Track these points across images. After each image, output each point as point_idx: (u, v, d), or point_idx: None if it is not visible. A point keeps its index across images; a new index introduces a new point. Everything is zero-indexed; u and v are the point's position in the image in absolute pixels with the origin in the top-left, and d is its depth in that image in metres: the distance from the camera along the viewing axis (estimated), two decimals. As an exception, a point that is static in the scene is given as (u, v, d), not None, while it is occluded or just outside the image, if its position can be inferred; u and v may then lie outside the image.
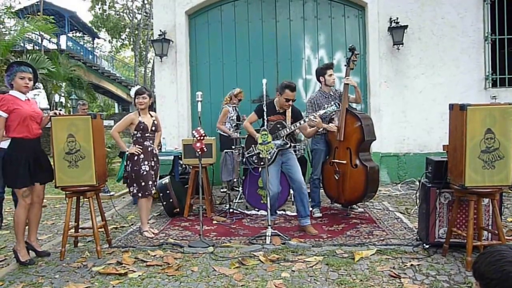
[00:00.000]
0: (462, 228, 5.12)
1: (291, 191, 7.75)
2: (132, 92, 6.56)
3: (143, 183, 6.35)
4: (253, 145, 6.56)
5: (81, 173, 5.36)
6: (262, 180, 6.52)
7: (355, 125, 6.86)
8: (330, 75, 7.19)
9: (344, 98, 7.01)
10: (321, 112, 6.31)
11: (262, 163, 6.35)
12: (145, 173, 6.36)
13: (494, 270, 2.00)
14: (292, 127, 6.32)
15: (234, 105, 9.31)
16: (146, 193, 6.39)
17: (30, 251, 5.50)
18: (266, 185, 6.21)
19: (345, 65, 7.26)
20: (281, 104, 6.35)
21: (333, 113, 6.97)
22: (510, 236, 5.72)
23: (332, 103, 6.49)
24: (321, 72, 7.30)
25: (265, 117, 6.13)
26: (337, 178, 6.94)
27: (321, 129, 6.70)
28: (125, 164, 6.54)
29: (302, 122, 6.32)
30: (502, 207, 5.40)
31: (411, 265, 4.83)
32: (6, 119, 5.17)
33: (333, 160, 7.03)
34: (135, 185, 6.40)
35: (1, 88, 7.12)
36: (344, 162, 6.90)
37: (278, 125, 6.37)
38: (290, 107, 6.42)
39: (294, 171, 6.41)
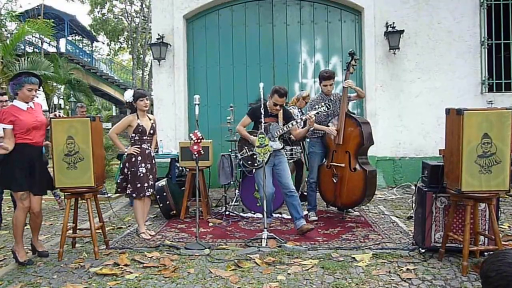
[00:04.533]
0: (458, 232, 5.12)
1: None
2: (129, 94, 6.54)
3: (138, 185, 6.36)
4: (245, 147, 6.60)
5: (79, 175, 5.40)
6: (257, 182, 6.55)
7: (355, 129, 6.90)
8: (325, 85, 7.23)
9: (343, 101, 7.05)
10: (313, 112, 6.32)
11: (255, 164, 6.43)
12: (141, 175, 6.37)
13: (492, 269, 2.10)
14: (285, 128, 6.42)
15: (300, 107, 9.05)
16: (141, 194, 6.40)
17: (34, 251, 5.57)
18: (260, 187, 6.23)
19: (345, 70, 7.32)
20: (270, 107, 6.47)
21: (329, 116, 7.03)
22: (506, 241, 5.74)
23: (322, 103, 6.51)
24: (319, 80, 7.36)
25: (262, 118, 6.17)
26: (335, 181, 6.96)
27: (312, 129, 6.75)
28: (122, 167, 6.55)
29: (294, 123, 6.41)
30: (499, 212, 5.41)
31: (407, 269, 4.84)
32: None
33: (331, 163, 7.06)
34: (129, 185, 6.42)
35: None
36: (343, 165, 6.93)
37: (270, 127, 6.45)
38: (281, 110, 6.56)
39: (283, 176, 6.49)
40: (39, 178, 5.46)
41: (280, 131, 6.40)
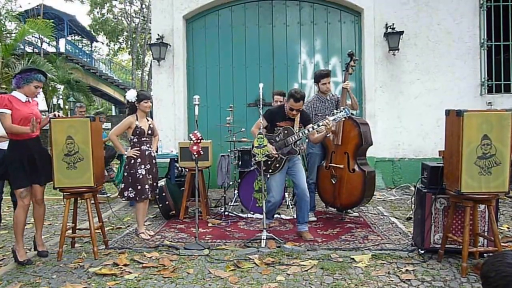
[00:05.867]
0: (457, 234, 5.13)
1: (286, 195, 7.79)
2: (132, 95, 6.53)
3: (139, 187, 6.36)
4: None
5: (79, 175, 5.39)
6: (269, 186, 6.44)
7: (353, 130, 6.89)
8: (324, 83, 7.21)
9: (342, 102, 7.04)
10: (332, 118, 6.07)
11: (270, 170, 6.29)
12: (141, 176, 6.37)
13: (492, 270, 2.13)
14: (300, 134, 6.18)
15: None
16: (143, 196, 6.40)
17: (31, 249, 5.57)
18: (263, 188, 6.18)
19: (344, 70, 7.31)
20: (287, 111, 6.28)
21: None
22: (505, 242, 5.74)
23: (342, 108, 6.36)
24: (316, 80, 7.34)
25: (261, 119, 6.15)
26: (334, 182, 6.96)
27: (328, 134, 6.52)
28: (123, 172, 6.56)
29: (310, 129, 6.16)
30: (498, 214, 5.41)
31: (406, 270, 4.85)
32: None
33: (330, 164, 7.05)
34: (131, 189, 6.42)
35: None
36: (342, 166, 6.93)
37: (286, 131, 6.25)
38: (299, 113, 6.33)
39: (299, 177, 6.34)
40: (43, 168, 5.49)
41: (296, 137, 6.21)
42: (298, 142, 6.37)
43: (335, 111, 6.30)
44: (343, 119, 6.38)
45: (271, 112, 6.39)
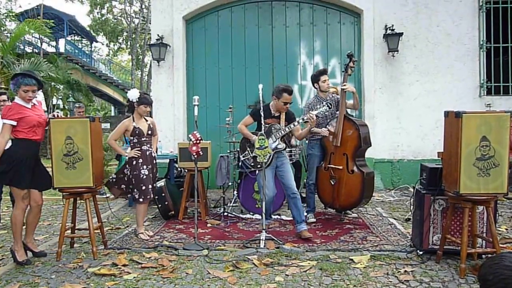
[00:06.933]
0: (456, 235, 5.13)
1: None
2: (134, 95, 6.50)
3: (143, 187, 6.36)
4: (248, 148, 6.57)
5: (78, 175, 5.39)
6: (258, 184, 6.51)
7: (352, 131, 6.89)
8: (324, 81, 7.22)
9: (342, 104, 7.03)
10: (315, 112, 6.24)
11: (258, 166, 6.32)
12: (144, 177, 6.37)
13: (490, 272, 2.13)
14: (286, 129, 6.31)
15: None
16: (148, 197, 6.41)
17: (27, 251, 5.53)
18: (262, 189, 6.20)
19: (343, 71, 7.31)
20: (279, 107, 6.37)
21: (328, 119, 7.03)
22: (504, 244, 5.75)
23: (324, 103, 6.49)
24: (315, 79, 7.34)
25: (262, 121, 6.17)
26: (333, 183, 6.96)
27: (313, 129, 6.61)
28: (122, 168, 6.55)
29: (295, 123, 6.32)
30: (497, 215, 5.42)
31: (405, 271, 4.84)
32: (13, 126, 5.22)
33: (329, 165, 7.06)
34: (135, 190, 6.41)
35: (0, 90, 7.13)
36: (341, 167, 6.93)
37: (272, 128, 6.36)
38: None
39: (287, 177, 6.42)
40: (43, 174, 5.54)
41: (282, 132, 6.31)
42: (286, 139, 6.47)
43: (318, 105, 6.43)
44: (326, 112, 6.68)
45: (258, 110, 6.44)
